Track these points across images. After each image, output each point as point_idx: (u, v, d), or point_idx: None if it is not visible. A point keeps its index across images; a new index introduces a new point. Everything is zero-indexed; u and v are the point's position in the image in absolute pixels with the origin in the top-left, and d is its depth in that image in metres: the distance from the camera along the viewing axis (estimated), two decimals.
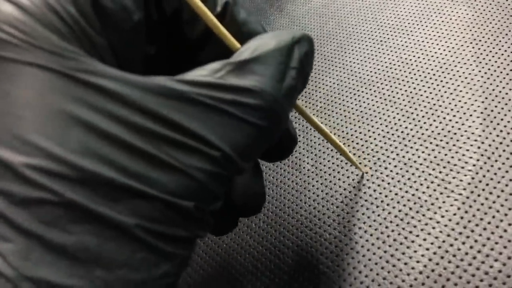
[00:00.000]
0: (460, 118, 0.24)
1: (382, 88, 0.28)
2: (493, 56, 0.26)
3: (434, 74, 0.27)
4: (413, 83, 0.27)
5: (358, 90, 0.28)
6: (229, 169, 0.14)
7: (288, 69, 0.15)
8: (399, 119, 0.26)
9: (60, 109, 0.12)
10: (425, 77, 0.27)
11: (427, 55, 0.28)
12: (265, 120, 0.14)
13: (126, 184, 0.12)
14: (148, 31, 0.16)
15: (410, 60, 0.28)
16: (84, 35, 0.13)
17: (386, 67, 0.29)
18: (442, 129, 0.24)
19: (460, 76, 0.26)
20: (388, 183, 0.23)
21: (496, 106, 0.24)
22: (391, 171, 0.24)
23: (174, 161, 0.12)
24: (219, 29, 0.16)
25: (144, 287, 0.12)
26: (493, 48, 0.27)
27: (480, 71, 0.26)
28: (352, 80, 0.29)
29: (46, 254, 0.11)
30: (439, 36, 0.29)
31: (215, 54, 0.17)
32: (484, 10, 0.29)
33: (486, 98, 0.24)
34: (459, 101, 0.25)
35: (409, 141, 0.24)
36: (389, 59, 0.29)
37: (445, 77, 0.26)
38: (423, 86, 0.27)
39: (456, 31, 0.29)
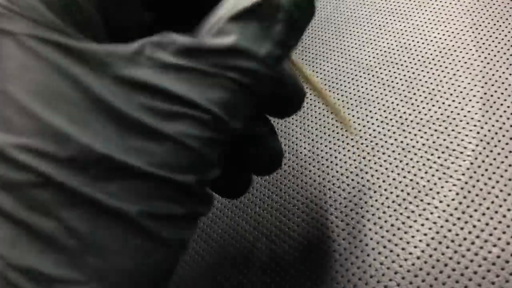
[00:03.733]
0: (460, 103, 0.24)
1: (381, 73, 0.27)
2: (493, 41, 0.26)
3: (433, 59, 0.27)
4: (412, 68, 0.27)
5: (356, 75, 0.28)
6: (222, 132, 0.13)
7: (273, 23, 0.14)
8: (397, 104, 0.25)
9: (45, 81, 0.11)
10: (424, 62, 0.27)
11: (426, 39, 0.28)
12: (249, 79, 0.13)
13: (117, 159, 0.11)
14: None
15: (409, 44, 0.28)
16: (74, 6, 0.12)
17: (385, 51, 0.28)
18: (441, 114, 0.24)
19: (459, 61, 0.26)
20: (386, 168, 0.23)
21: (496, 91, 0.24)
22: (389, 156, 0.23)
23: (164, 129, 0.12)
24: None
25: (139, 274, 0.11)
26: (493, 33, 0.26)
27: (480, 56, 0.25)
28: (350, 65, 0.29)
29: (33, 242, 0.10)
30: (438, 21, 0.28)
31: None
32: None
33: (485, 83, 0.24)
34: (459, 86, 0.25)
35: (408, 126, 0.24)
36: (387, 43, 0.29)
37: (444, 62, 0.26)
38: (422, 71, 0.26)
39: (455, 16, 0.28)
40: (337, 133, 0.26)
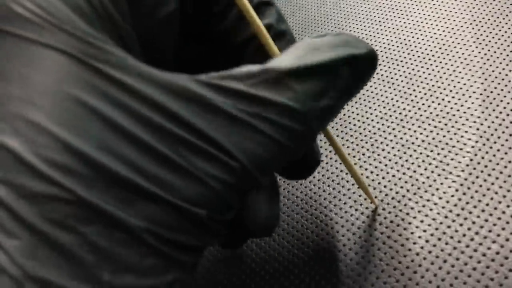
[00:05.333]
0: (459, 99, 0.24)
1: (381, 69, 0.27)
2: (493, 37, 0.26)
3: (433, 55, 0.26)
4: (411, 64, 0.27)
5: None
6: (246, 182, 0.13)
7: (330, 89, 0.14)
8: (397, 100, 0.25)
9: (79, 100, 0.11)
10: (424, 58, 0.27)
11: (426, 36, 0.28)
12: (290, 140, 0.13)
13: (141, 186, 0.11)
14: (181, 25, 0.15)
15: (409, 41, 0.28)
16: (111, 22, 0.12)
17: (385, 48, 0.28)
18: (441, 111, 0.24)
19: (459, 57, 0.26)
20: (386, 165, 0.23)
21: (495, 88, 0.24)
22: (388, 152, 0.23)
23: (192, 167, 0.12)
24: (261, 30, 0.15)
25: None
26: (493, 29, 0.26)
27: (479, 52, 0.25)
28: None
29: (52, 253, 0.10)
30: (438, 17, 0.28)
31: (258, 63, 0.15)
32: None
33: (485, 79, 0.24)
34: (458, 82, 0.25)
35: (407, 122, 0.24)
36: (387, 40, 0.29)
37: (444, 58, 0.26)
38: (422, 67, 0.26)
39: (455, 12, 0.28)
40: (336, 129, 0.26)
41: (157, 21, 0.14)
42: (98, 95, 0.11)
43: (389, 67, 0.27)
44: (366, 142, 0.24)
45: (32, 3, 0.11)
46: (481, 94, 0.24)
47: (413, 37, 0.28)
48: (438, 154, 0.22)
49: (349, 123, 0.25)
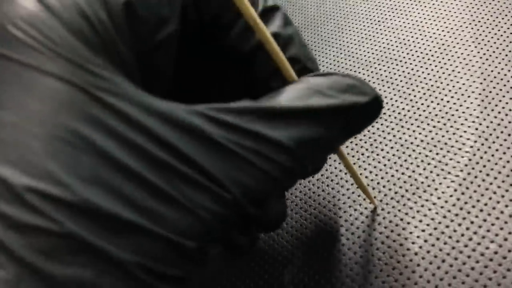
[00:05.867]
0: (458, 99, 0.24)
1: (380, 69, 0.27)
2: (492, 37, 0.26)
3: (432, 55, 0.26)
4: (411, 64, 0.27)
5: (355, 71, 0.28)
6: (236, 213, 0.13)
7: (324, 132, 0.14)
8: (396, 100, 0.25)
9: (75, 131, 0.11)
10: (423, 58, 0.27)
11: (425, 35, 0.28)
12: (280, 173, 0.14)
13: (130, 219, 0.11)
14: (182, 43, 0.15)
15: (408, 40, 0.28)
16: (111, 45, 0.12)
17: (384, 47, 0.28)
18: (440, 111, 0.24)
19: (458, 57, 0.26)
20: (385, 165, 0.23)
21: (494, 88, 0.24)
22: (387, 152, 0.23)
23: (183, 198, 0.12)
24: (278, 55, 0.15)
25: None
26: (492, 29, 0.26)
27: (478, 52, 0.25)
28: (349, 61, 0.29)
29: (37, 285, 0.10)
30: (437, 17, 0.28)
31: (268, 70, 0.16)
32: None
33: (484, 79, 0.24)
34: (457, 82, 0.25)
35: (406, 122, 0.24)
36: (386, 39, 0.29)
37: (443, 58, 0.26)
38: (421, 67, 0.26)
39: (455, 12, 0.28)
40: None
41: (156, 43, 0.14)
42: (94, 125, 0.11)
43: (388, 67, 0.27)
44: (365, 142, 0.24)
45: (31, 27, 0.11)
46: (480, 94, 0.24)
47: (412, 37, 0.28)
48: (437, 154, 0.22)
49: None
